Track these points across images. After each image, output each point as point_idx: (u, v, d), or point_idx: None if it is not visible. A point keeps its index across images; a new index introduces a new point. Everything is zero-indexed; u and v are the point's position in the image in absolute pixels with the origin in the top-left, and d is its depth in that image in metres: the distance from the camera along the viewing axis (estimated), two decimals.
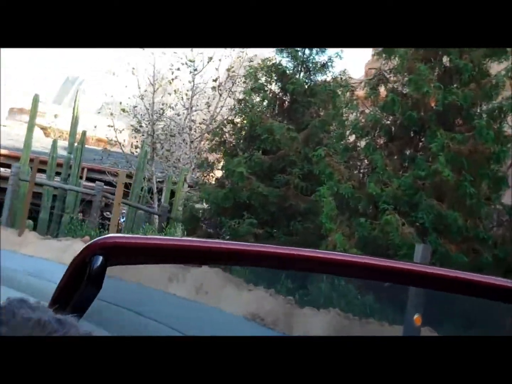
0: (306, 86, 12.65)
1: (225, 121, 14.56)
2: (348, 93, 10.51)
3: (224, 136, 13.30)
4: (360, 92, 10.53)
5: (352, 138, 10.63)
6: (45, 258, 9.57)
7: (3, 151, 18.51)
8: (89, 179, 18.87)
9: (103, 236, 1.10)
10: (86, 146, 24.72)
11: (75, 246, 9.76)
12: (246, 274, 9.12)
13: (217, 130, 13.63)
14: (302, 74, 12.91)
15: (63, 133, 22.03)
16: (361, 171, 10.15)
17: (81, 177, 18.80)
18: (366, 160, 10.01)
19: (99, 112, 22.02)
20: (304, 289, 8.66)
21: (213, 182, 13.39)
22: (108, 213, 15.06)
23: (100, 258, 1.03)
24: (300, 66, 12.88)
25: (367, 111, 10.25)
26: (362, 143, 10.10)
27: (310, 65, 12.85)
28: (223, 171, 12.79)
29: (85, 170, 19.19)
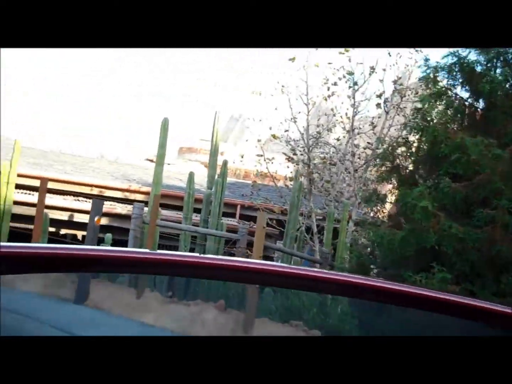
0: (508, 86, 9.34)
1: (397, 141, 11.59)
2: None
3: (397, 160, 10.28)
4: None
5: None
6: (167, 329, 7.11)
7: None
8: (242, 217, 16.81)
9: None
10: (242, 180, 22.90)
11: (204, 315, 7.33)
12: None
13: (387, 153, 10.64)
14: (499, 70, 9.60)
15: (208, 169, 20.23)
16: None
17: (233, 215, 16.81)
18: None
19: (246, 140, 19.90)
20: None
21: (385, 221, 10.38)
22: None
23: None
24: (495, 60, 9.57)
25: None
26: None
27: (510, 57, 9.49)
28: (398, 206, 9.81)
29: (238, 207, 17.21)
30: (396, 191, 9.99)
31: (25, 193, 13.89)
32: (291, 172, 15.29)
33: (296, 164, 15.07)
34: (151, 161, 35.09)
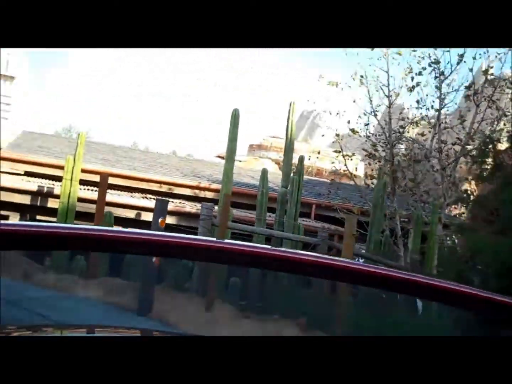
0: None
1: (490, 136, 10.28)
2: None
3: (499, 158, 9.03)
4: None
5: None
6: None
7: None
8: (318, 218, 15.79)
9: None
10: (315, 178, 21.85)
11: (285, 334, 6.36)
12: None
13: (488, 149, 9.38)
14: None
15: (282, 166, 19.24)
16: None
17: (308, 215, 15.80)
18: None
19: (323, 135, 18.74)
20: None
21: (487, 225, 9.10)
22: None
23: None
24: None
25: None
26: None
27: None
28: (501, 210, 8.55)
29: (313, 207, 16.17)
30: (497, 192, 8.73)
31: (92, 190, 13.32)
32: (372, 170, 14.09)
33: (378, 161, 13.83)
34: (222, 158, 34.57)
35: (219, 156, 36.57)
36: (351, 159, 13.97)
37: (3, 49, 74.82)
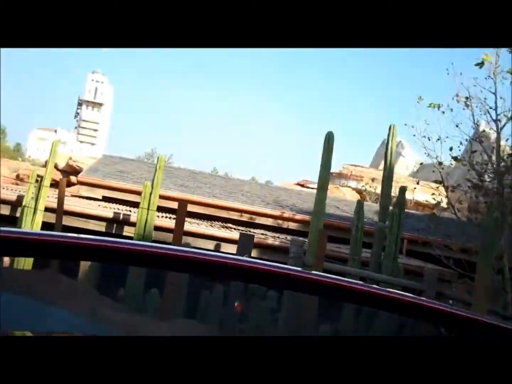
0: None
1: None
2: None
3: None
4: None
5: None
6: None
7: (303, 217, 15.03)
8: (410, 254, 14.42)
9: None
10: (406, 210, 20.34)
11: None
12: None
13: None
14: None
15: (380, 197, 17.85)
16: None
17: (400, 251, 14.41)
18: None
19: (421, 164, 17.27)
20: None
21: None
22: None
23: None
24: None
25: None
26: None
27: None
28: None
29: (405, 241, 14.74)
30: None
31: (170, 218, 12.53)
32: (478, 203, 12.55)
33: (485, 193, 12.31)
34: (302, 185, 33.46)
35: (298, 184, 35.52)
36: (454, 191, 12.55)
37: (91, 77, 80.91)
